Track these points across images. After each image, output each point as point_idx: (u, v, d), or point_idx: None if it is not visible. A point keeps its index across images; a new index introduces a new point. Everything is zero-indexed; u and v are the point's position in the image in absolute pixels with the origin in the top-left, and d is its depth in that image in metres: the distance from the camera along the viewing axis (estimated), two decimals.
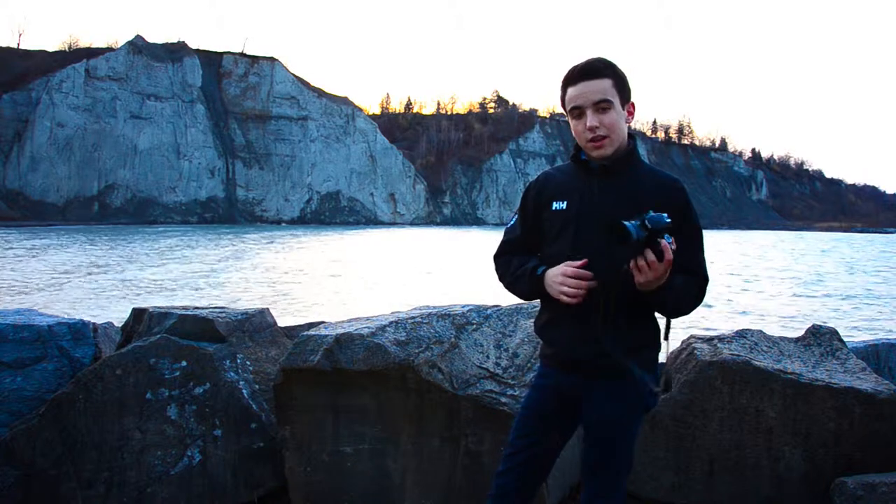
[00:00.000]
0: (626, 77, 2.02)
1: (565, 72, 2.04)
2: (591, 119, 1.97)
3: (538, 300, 2.15)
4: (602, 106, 1.97)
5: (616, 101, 1.99)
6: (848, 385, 3.05)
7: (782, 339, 3.50)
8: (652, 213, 1.83)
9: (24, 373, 3.31)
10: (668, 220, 1.82)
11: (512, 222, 2.21)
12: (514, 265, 2.12)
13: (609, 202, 1.98)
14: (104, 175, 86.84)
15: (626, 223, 1.81)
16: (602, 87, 1.97)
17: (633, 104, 2.05)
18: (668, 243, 1.81)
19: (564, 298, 1.93)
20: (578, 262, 1.93)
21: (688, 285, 1.98)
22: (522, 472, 2.10)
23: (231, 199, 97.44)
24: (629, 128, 2.06)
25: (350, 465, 3.05)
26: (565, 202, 2.03)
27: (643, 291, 1.89)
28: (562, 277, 1.94)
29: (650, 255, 1.82)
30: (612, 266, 1.90)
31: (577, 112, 2.00)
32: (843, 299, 20.22)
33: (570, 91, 2.01)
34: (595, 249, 1.93)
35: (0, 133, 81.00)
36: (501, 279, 2.19)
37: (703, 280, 2.03)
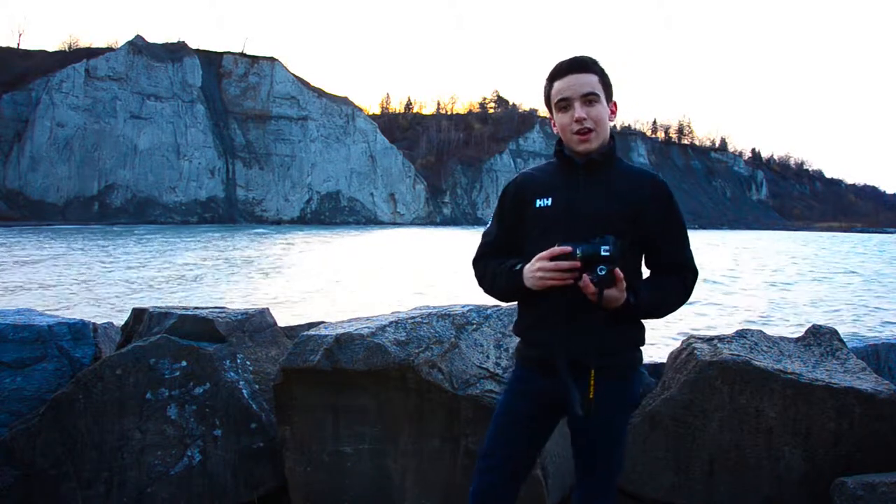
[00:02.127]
0: (609, 76, 2.05)
1: (550, 68, 2.05)
2: (579, 111, 1.98)
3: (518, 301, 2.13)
4: (590, 98, 1.99)
5: (602, 96, 2.01)
6: (848, 385, 3.05)
7: (782, 339, 3.50)
8: (594, 242, 1.85)
9: (24, 373, 3.31)
10: (606, 253, 1.83)
11: (489, 225, 2.19)
12: (491, 266, 2.10)
13: (596, 198, 1.98)
14: (104, 175, 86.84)
15: (563, 245, 1.87)
16: (590, 80, 2.00)
17: (615, 103, 2.08)
18: (597, 275, 1.83)
19: (549, 283, 1.89)
20: (551, 250, 1.91)
21: (664, 291, 1.99)
22: (506, 486, 2.07)
23: (231, 199, 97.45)
24: (612, 127, 2.08)
25: (350, 465, 3.05)
26: (550, 199, 2.02)
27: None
28: (537, 264, 1.92)
29: (582, 281, 1.85)
30: None
31: (564, 104, 2.01)
32: (842, 300, 20.23)
33: (558, 84, 2.02)
34: None
35: (0, 133, 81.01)
36: (480, 283, 2.15)
37: (690, 274, 2.04)
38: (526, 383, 2.09)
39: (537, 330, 2.05)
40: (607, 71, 2.06)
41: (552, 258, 1.89)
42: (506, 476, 2.07)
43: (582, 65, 2.01)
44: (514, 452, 2.07)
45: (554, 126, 2.08)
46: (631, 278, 1.91)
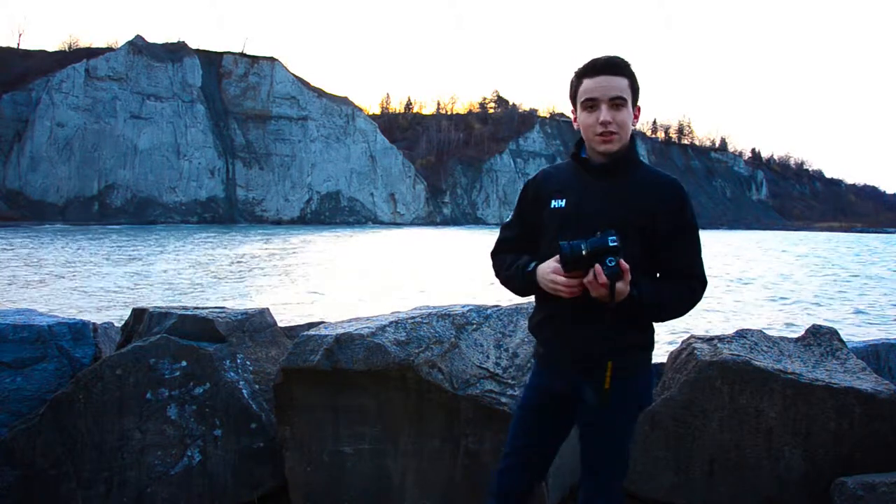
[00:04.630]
0: (638, 81, 2.04)
1: (583, 63, 2.03)
2: (605, 114, 1.97)
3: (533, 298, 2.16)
4: (617, 103, 1.98)
5: (629, 101, 2.01)
6: (848, 385, 3.05)
7: (782, 339, 3.50)
8: (598, 235, 1.86)
9: (24, 373, 3.30)
10: (613, 244, 1.84)
11: (508, 219, 2.22)
12: (507, 262, 2.14)
13: (608, 201, 1.98)
14: (104, 175, 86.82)
15: (562, 242, 1.87)
16: (621, 84, 1.99)
17: (638, 108, 2.06)
18: (608, 267, 1.83)
19: (559, 292, 1.93)
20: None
21: (668, 292, 1.99)
22: (521, 472, 2.12)
23: (231, 199, 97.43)
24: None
25: (350, 465, 3.05)
26: (564, 200, 2.03)
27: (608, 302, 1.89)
28: (552, 276, 1.94)
29: (589, 276, 1.86)
30: None
31: (591, 104, 2.00)
32: (842, 299, 20.22)
33: (588, 83, 2.01)
34: None
35: (0, 133, 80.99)
36: (497, 276, 2.20)
37: (698, 282, 2.03)
38: (540, 379, 2.14)
39: (548, 327, 2.08)
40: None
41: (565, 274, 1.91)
42: (521, 465, 2.12)
43: (615, 67, 2.00)
44: (528, 444, 2.12)
45: (575, 122, 2.08)
46: (634, 276, 1.90)
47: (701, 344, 3.32)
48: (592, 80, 2.00)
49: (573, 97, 2.06)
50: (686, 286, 2.01)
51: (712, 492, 3.13)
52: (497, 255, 2.21)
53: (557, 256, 1.91)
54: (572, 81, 2.06)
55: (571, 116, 2.11)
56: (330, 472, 3.07)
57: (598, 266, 1.84)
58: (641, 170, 2.05)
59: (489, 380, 2.99)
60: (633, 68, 2.03)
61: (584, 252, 1.85)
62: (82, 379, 3.21)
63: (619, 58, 2.02)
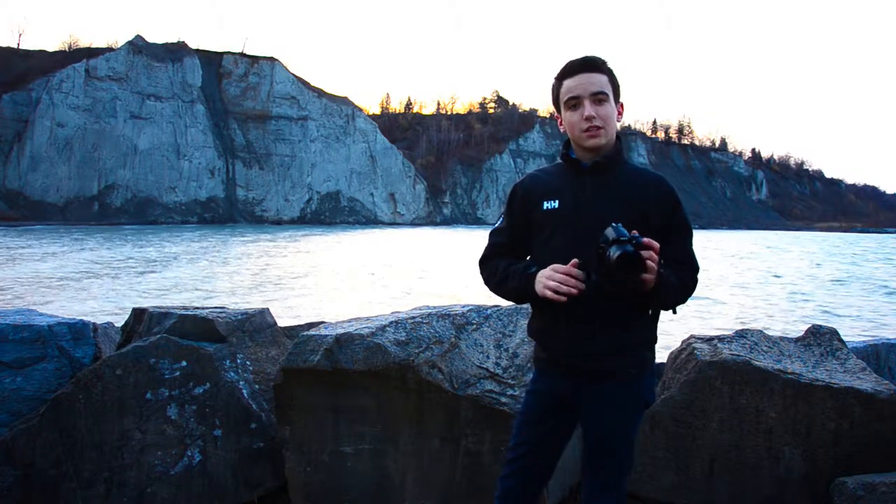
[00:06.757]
0: (617, 77, 2.09)
1: (561, 67, 2.08)
2: (588, 109, 2.01)
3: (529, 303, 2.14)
4: (599, 98, 2.02)
5: (611, 96, 2.05)
6: (848, 385, 3.05)
7: (782, 339, 3.50)
8: (610, 230, 1.85)
9: (24, 373, 3.31)
10: (625, 231, 1.85)
11: (498, 224, 2.20)
12: (501, 267, 2.11)
13: (602, 200, 2.00)
14: (104, 175, 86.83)
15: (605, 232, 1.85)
16: (600, 80, 2.04)
17: (622, 104, 2.11)
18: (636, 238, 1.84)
19: (549, 294, 1.91)
20: (569, 264, 1.92)
21: (681, 278, 2.02)
22: (526, 476, 2.11)
23: (231, 199, 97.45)
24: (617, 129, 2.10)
25: (350, 465, 3.05)
26: (557, 201, 2.04)
27: (641, 290, 1.90)
28: (549, 272, 1.93)
29: (645, 252, 1.84)
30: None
31: (574, 103, 2.04)
32: (842, 300, 20.22)
33: (568, 83, 2.05)
34: (592, 248, 1.94)
35: (0, 133, 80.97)
36: (487, 282, 2.16)
37: (693, 270, 2.08)
38: (540, 383, 2.14)
39: (548, 331, 2.07)
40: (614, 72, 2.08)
41: (565, 272, 1.90)
42: (525, 470, 2.12)
43: (592, 64, 2.04)
44: (532, 449, 2.11)
45: (561, 125, 2.11)
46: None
47: (701, 344, 3.32)
48: (573, 80, 2.04)
49: (556, 101, 2.11)
50: (685, 272, 2.05)
51: (712, 492, 3.13)
52: (487, 261, 2.17)
53: (569, 264, 1.91)
54: (553, 86, 2.10)
55: (557, 121, 2.14)
56: (330, 472, 3.07)
57: (645, 240, 1.84)
58: (630, 168, 2.09)
59: (489, 380, 2.99)
60: (611, 65, 2.07)
61: (615, 237, 1.83)
62: (82, 379, 3.21)
63: (595, 56, 2.07)
